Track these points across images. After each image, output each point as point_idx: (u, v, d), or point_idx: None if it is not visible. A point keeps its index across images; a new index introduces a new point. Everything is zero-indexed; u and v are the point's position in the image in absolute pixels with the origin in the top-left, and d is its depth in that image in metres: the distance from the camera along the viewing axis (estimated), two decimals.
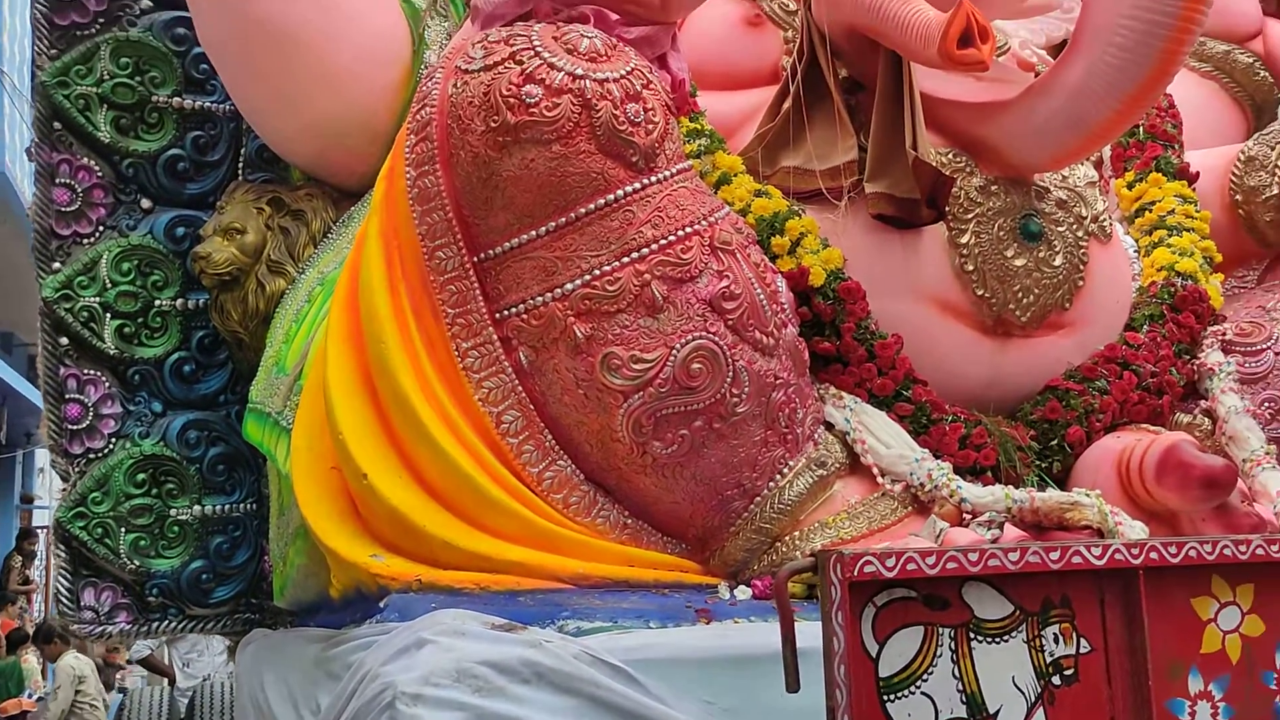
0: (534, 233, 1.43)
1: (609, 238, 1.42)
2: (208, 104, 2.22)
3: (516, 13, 1.53)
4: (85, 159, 2.16)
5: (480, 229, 1.46)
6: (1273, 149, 2.17)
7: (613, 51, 1.45)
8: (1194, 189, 2.15)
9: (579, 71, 1.41)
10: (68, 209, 2.15)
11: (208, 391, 2.23)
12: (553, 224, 1.42)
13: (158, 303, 2.17)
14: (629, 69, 1.44)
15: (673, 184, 1.46)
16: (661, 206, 1.44)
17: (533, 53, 1.42)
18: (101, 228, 2.17)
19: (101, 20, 2.16)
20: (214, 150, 2.23)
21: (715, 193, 1.67)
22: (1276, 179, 2.13)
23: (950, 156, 1.77)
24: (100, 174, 2.17)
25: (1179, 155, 2.19)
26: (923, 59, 1.61)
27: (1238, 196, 2.19)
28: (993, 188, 1.76)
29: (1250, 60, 2.74)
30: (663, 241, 1.42)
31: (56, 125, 2.15)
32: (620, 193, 1.42)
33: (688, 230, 1.44)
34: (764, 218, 1.68)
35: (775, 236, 1.67)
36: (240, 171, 2.23)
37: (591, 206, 1.42)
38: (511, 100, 1.40)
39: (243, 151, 2.24)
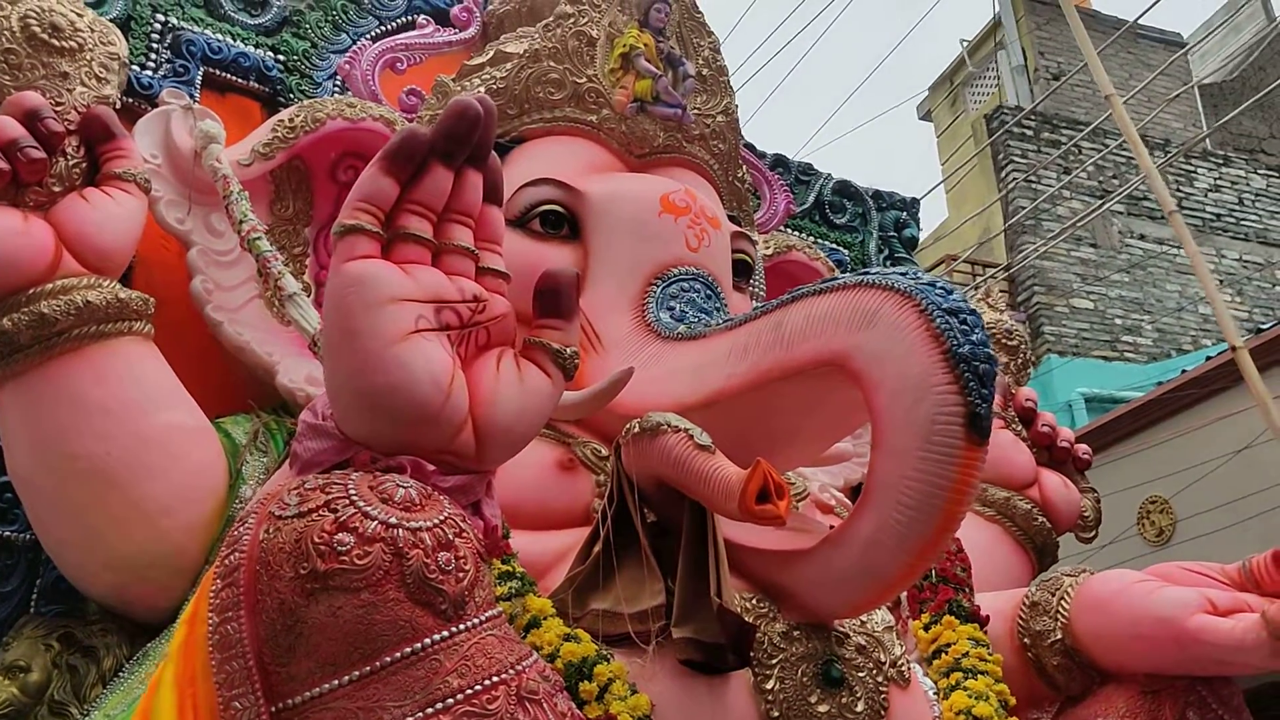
0: (336, 682, 1.39)
1: (414, 688, 1.39)
2: (7, 533, 2.15)
3: (334, 460, 1.56)
4: None
5: (281, 677, 1.41)
6: (1053, 595, 2.29)
7: (427, 501, 1.49)
8: (985, 632, 2.26)
9: (392, 520, 1.43)
10: None
11: None
12: (356, 673, 1.39)
13: None
14: (442, 518, 1.47)
15: (481, 632, 1.46)
16: (469, 655, 1.43)
17: (347, 501, 1.44)
18: None
19: None
20: (8, 581, 2.13)
21: (525, 636, 1.69)
22: (1059, 624, 2.25)
23: (754, 602, 1.83)
24: None
25: (969, 598, 2.32)
26: (724, 511, 1.70)
27: (1025, 640, 2.30)
28: (795, 633, 1.81)
29: (1029, 506, 2.97)
30: (469, 691, 1.40)
31: None
32: (428, 641, 1.41)
33: (494, 680, 1.43)
34: (572, 663, 1.69)
35: (583, 682, 1.67)
36: (34, 603, 2.13)
37: (398, 655, 1.40)
38: (323, 548, 1.40)
39: (38, 582, 2.15)
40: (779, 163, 3.70)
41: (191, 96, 2.62)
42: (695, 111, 2.69)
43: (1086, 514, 3.13)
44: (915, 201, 3.99)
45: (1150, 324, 11.07)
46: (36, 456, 1.97)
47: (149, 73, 2.63)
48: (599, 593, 1.81)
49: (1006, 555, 2.92)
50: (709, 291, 2.34)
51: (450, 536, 1.48)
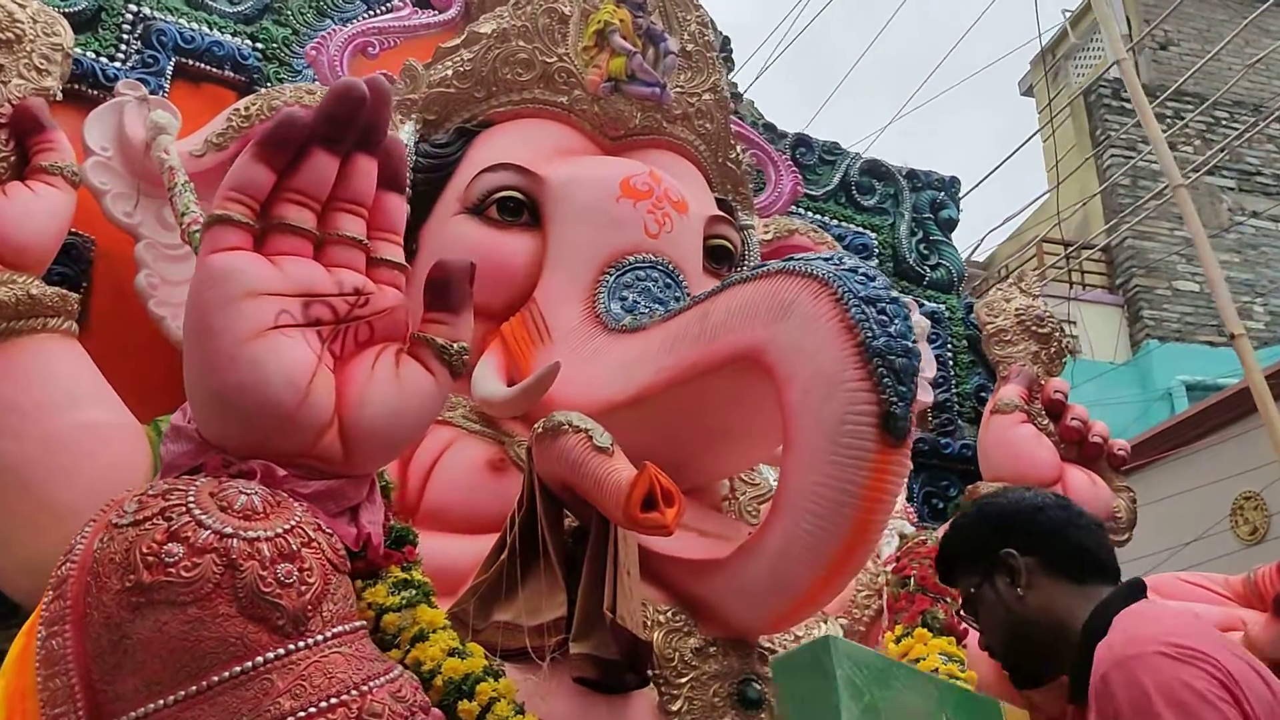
0: (161, 702, 1.30)
1: (241, 709, 1.30)
2: None
3: (192, 463, 1.48)
4: None
5: (106, 696, 1.33)
6: None
7: (273, 509, 1.39)
8: (964, 645, 2.09)
9: (228, 530, 1.34)
10: None
11: None
12: (182, 693, 1.30)
13: None
14: (287, 527, 1.38)
15: (325, 649, 1.36)
16: (306, 674, 1.33)
17: (183, 509, 1.35)
18: None
19: None
20: None
21: (410, 650, 1.58)
22: None
23: (670, 615, 1.70)
24: None
25: (948, 609, 2.14)
26: (613, 518, 1.58)
27: None
28: (711, 649, 1.68)
29: None
30: (301, 714, 1.30)
31: None
32: (260, 660, 1.32)
33: (332, 701, 1.32)
34: (453, 680, 1.57)
35: (463, 701, 1.55)
36: None
37: (226, 674, 1.30)
38: (150, 559, 1.32)
39: None
40: (801, 142, 3.53)
41: (160, 88, 2.57)
42: (678, 90, 2.55)
43: (1119, 514, 2.91)
44: (954, 180, 3.77)
45: (1262, 306, 10.48)
46: None
47: (117, 64, 2.58)
48: (503, 603, 1.70)
49: None
50: (667, 280, 2.21)
51: (295, 547, 1.37)
